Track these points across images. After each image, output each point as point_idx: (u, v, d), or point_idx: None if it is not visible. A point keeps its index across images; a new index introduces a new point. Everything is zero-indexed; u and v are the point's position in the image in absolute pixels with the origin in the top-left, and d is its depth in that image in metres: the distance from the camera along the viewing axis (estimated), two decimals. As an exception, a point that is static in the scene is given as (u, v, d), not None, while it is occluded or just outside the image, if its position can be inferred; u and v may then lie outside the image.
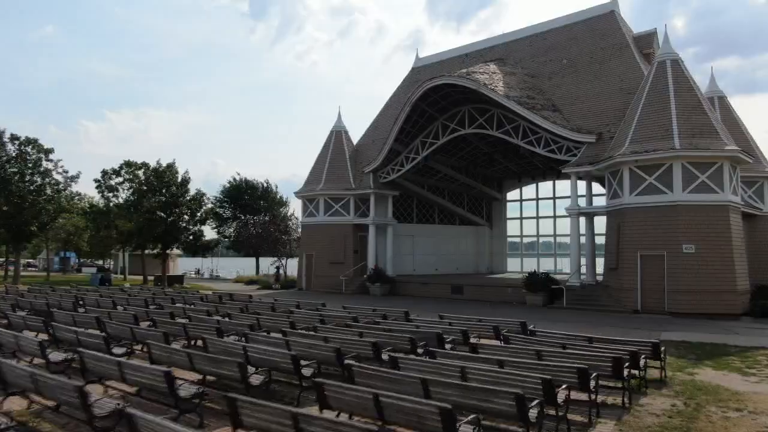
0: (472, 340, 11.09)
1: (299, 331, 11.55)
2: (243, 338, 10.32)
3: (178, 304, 17.23)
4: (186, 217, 32.99)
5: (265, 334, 11.15)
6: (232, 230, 55.29)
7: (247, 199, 56.95)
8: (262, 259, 52.96)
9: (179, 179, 32.96)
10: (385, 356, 9.26)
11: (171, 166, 33.42)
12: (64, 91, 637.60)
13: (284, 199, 58.92)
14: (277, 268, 40.20)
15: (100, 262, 74.63)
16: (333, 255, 33.03)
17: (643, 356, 9.25)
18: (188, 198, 32.97)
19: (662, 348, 9.92)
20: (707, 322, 18.53)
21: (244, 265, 63.89)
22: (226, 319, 13.64)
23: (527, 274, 24.77)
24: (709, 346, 14.02)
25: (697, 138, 20.46)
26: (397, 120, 30.40)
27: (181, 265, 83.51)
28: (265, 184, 58.26)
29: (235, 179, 57.29)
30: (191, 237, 33.29)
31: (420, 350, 9.90)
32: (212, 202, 56.26)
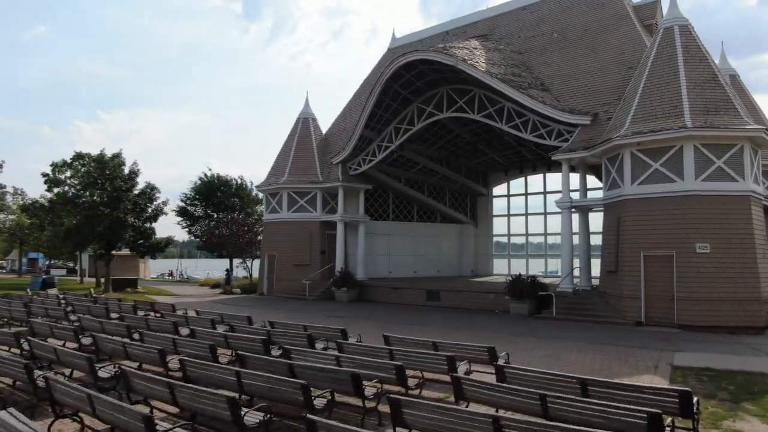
0: (411, 382, 7.60)
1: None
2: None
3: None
4: (133, 213, 29.25)
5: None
6: (203, 230, 51.67)
7: (221, 197, 53.39)
8: (238, 261, 49.43)
9: (126, 171, 29.31)
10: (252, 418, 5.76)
11: (117, 157, 29.78)
12: (57, 91, 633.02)
13: (261, 197, 55.26)
14: (227, 271, 36.57)
15: (71, 264, 70.96)
16: (297, 256, 29.48)
17: (668, 418, 5.78)
18: (136, 192, 29.28)
19: (696, 400, 6.39)
20: (727, 338, 15.09)
21: (220, 267, 60.30)
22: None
23: (511, 279, 21.29)
24: (742, 377, 10.56)
25: (713, 115, 17.04)
26: (366, 103, 26.90)
27: (155, 267, 80.00)
28: (239, 180, 54.66)
29: (206, 175, 53.60)
30: (139, 235, 29.56)
31: (318, 404, 6.39)
32: (182, 200, 53.22)
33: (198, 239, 47.30)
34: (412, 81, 25.61)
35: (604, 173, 19.82)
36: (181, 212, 52.47)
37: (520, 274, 21.42)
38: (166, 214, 31.53)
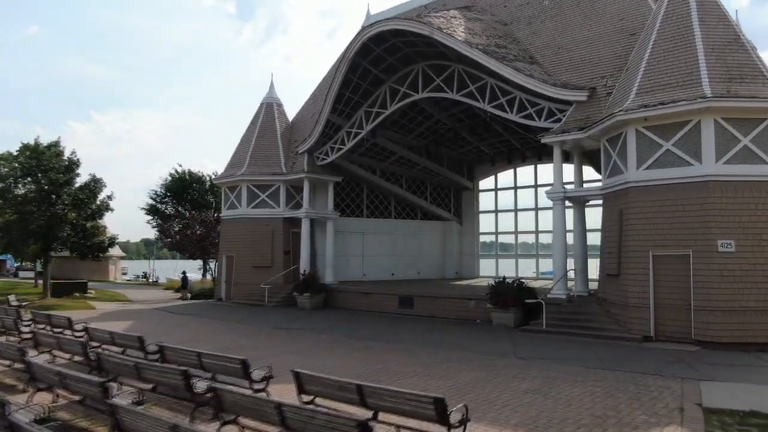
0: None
1: None
2: None
3: None
4: (74, 209, 25.83)
5: None
6: (175, 230, 48.32)
7: (194, 195, 50.11)
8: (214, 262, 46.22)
9: (65, 163, 25.92)
10: None
11: (54, 146, 26.39)
12: (50, 92, 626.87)
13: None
14: (183, 275, 33.22)
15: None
16: (257, 257, 26.19)
17: None
18: (76, 186, 25.90)
19: None
20: (762, 360, 11.91)
21: (194, 267, 56.88)
22: None
23: (493, 283, 18.07)
24: (808, 430, 7.38)
25: (737, 83, 13.89)
26: (332, 83, 23.68)
27: (139, 268, 76.53)
28: (213, 176, 51.31)
29: (177, 171, 50.25)
30: (79, 234, 26.15)
31: None
32: (151, 197, 49.83)
33: (169, 240, 43.91)
34: (383, 57, 22.40)
35: (604, 157, 16.64)
36: (151, 210, 49.23)
37: (504, 278, 18.21)
38: (112, 210, 28.16)
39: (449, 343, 14.59)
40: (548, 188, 18.57)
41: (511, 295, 17.09)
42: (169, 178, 50.37)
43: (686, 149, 14.01)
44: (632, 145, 14.88)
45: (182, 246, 39.28)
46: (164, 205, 49.85)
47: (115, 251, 60.23)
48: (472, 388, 9.59)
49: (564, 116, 18.01)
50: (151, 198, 49.60)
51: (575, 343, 14.33)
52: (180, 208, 50.03)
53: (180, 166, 56.60)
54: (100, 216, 27.93)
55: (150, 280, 56.92)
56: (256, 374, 8.16)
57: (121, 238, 75.72)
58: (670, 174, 14.17)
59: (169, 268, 65.82)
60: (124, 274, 69.39)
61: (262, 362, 11.90)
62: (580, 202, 18.73)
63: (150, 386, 7.89)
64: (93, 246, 27.70)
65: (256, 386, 7.97)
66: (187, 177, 50.43)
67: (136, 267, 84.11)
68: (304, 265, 25.35)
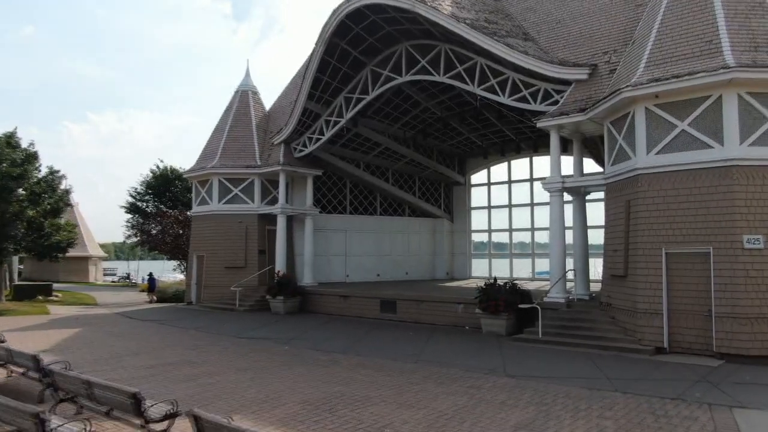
0: None
1: None
2: None
3: None
4: (30, 205, 23.66)
5: None
6: (155, 229, 46.18)
7: (176, 192, 47.98)
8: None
9: (21, 155, 23.76)
10: None
11: (10, 137, 24.24)
12: (45, 92, 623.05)
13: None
14: (150, 275, 31.10)
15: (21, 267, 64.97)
16: (230, 257, 24.11)
17: None
18: (32, 181, 23.74)
19: None
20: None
21: (174, 268, 54.61)
22: None
23: (482, 286, 16.02)
24: None
25: (764, 51, 11.90)
26: (308, 67, 21.61)
27: (118, 269, 74.16)
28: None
29: (158, 167, 48.10)
30: (34, 233, 23.97)
31: None
32: (131, 195, 47.72)
33: (138, 239, 41.82)
34: (363, 37, 20.35)
35: (608, 142, 14.62)
36: (132, 209, 47.17)
37: (495, 279, 16.17)
38: (71, 205, 25.94)
39: (431, 355, 12.55)
40: (545, 179, 16.53)
41: (503, 298, 15.05)
42: (150, 175, 48.29)
43: (705, 129, 12.01)
44: (641, 126, 12.87)
45: (156, 245, 37.18)
46: (145, 203, 47.85)
47: (95, 252, 58.12)
48: (448, 422, 7.56)
49: (562, 98, 16.01)
50: (132, 196, 47.60)
51: (576, 355, 12.32)
52: (162, 207, 47.96)
53: (162, 161, 54.45)
54: (58, 213, 25.70)
55: (131, 282, 54.75)
56: (155, 411, 6.10)
57: (117, 239, 73.41)
58: (686, 158, 12.16)
59: (155, 269, 63.68)
60: (112, 275, 67.20)
61: (199, 382, 9.90)
62: (580, 194, 16.73)
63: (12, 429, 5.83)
64: (51, 246, 25.52)
65: (153, 427, 5.92)
66: (169, 173, 48.33)
67: (130, 269, 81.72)
68: (280, 265, 23.29)
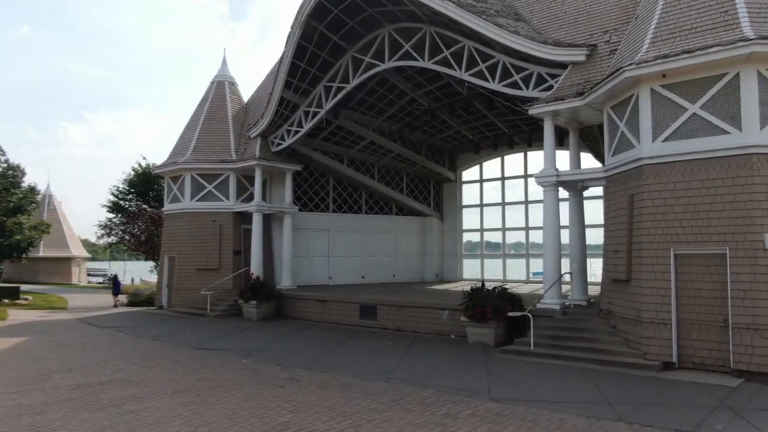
0: None
1: None
2: None
3: None
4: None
5: None
6: (138, 229, 44.55)
7: (160, 190, 46.39)
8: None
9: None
10: None
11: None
12: (42, 92, 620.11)
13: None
14: (114, 277, 29.52)
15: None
16: (203, 258, 22.51)
17: None
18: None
19: None
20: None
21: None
22: None
23: (468, 290, 14.44)
24: None
25: (788, 23, 10.35)
26: (285, 53, 20.02)
27: (108, 270, 72.36)
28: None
29: (140, 165, 46.41)
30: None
31: None
32: (113, 194, 46.12)
33: (110, 239, 40.22)
34: (342, 20, 18.79)
35: (608, 131, 13.07)
36: (114, 208, 45.50)
37: (482, 284, 14.59)
38: (36, 203, 24.39)
39: (405, 372, 10.96)
40: (538, 172, 14.96)
41: (491, 304, 13.48)
42: (132, 173, 46.63)
43: (720, 112, 10.46)
44: (646, 110, 11.31)
45: (136, 246, 35.60)
46: (127, 202, 46.20)
47: (79, 252, 56.37)
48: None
49: (557, 82, 14.46)
50: (113, 195, 45.95)
51: (572, 372, 10.75)
52: (146, 206, 46.32)
53: (144, 159, 52.89)
54: (19, 211, 24.09)
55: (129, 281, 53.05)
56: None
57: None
58: (697, 146, 10.61)
59: (143, 271, 62.06)
60: (102, 275, 65.47)
61: (122, 409, 8.30)
62: (577, 189, 15.17)
63: None
64: (10, 246, 23.91)
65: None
66: (152, 171, 46.72)
67: (122, 270, 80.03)
68: (255, 267, 21.70)
